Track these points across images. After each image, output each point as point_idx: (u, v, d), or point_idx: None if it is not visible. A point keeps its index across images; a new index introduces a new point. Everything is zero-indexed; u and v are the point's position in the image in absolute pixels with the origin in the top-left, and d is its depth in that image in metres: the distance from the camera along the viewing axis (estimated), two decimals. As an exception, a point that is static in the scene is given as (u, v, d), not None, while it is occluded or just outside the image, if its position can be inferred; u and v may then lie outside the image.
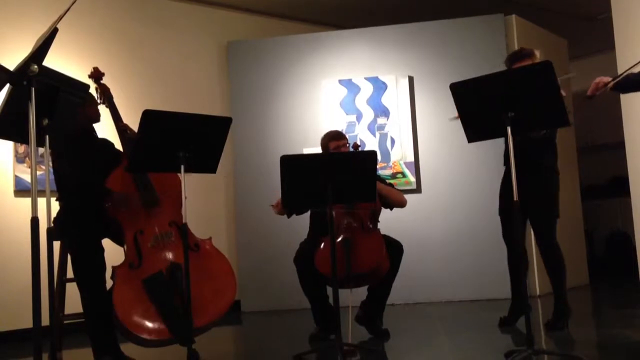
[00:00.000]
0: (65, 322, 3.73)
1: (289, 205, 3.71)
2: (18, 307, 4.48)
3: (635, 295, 5.51)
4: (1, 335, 4.71)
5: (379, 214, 4.02)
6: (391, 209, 4.13)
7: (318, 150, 5.06)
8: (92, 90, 3.50)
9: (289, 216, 4.06)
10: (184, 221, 3.16)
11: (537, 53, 3.81)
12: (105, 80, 3.88)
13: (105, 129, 3.81)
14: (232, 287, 3.42)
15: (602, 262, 7.97)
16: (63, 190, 3.54)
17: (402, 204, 4.15)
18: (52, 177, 3.35)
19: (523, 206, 3.69)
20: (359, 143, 4.76)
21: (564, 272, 3.89)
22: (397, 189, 4.31)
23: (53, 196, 3.35)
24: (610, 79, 3.45)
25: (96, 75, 3.85)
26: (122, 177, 3.53)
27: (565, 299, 3.87)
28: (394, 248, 3.92)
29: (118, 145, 3.78)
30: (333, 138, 4.12)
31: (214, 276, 3.40)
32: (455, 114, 3.17)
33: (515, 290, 3.99)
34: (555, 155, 3.94)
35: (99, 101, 3.80)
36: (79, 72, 3.78)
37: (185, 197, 3.23)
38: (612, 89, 3.51)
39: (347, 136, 4.28)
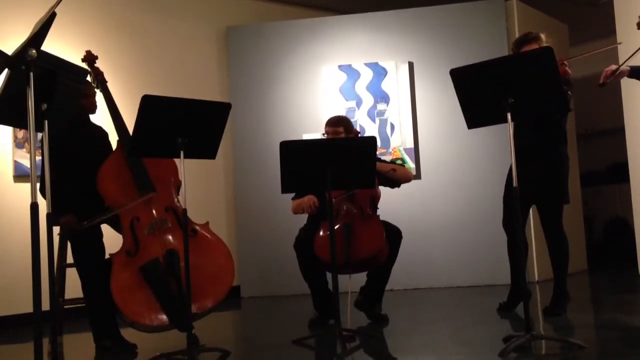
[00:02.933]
0: (66, 307, 3.75)
1: (288, 191, 3.69)
2: (18, 292, 4.50)
3: (634, 281, 5.53)
4: (1, 320, 4.73)
5: (378, 200, 4.02)
6: (398, 186, 4.11)
7: (318, 135, 5.06)
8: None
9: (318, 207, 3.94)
10: (183, 207, 3.16)
11: (544, 37, 3.80)
12: (104, 66, 3.86)
13: (99, 114, 3.79)
14: (230, 271, 3.42)
15: (601, 248, 7.99)
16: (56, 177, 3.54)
17: (408, 178, 4.14)
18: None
19: (530, 192, 3.71)
20: (358, 130, 4.74)
21: (567, 259, 3.90)
22: (398, 164, 4.27)
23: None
24: (616, 66, 3.48)
25: (89, 58, 3.80)
26: (117, 164, 3.53)
27: (564, 285, 3.88)
28: (392, 234, 3.92)
29: (111, 131, 3.77)
30: (328, 123, 4.09)
31: (212, 261, 3.40)
32: None
33: (514, 276, 4.00)
34: (566, 141, 3.94)
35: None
36: (78, 57, 3.76)
37: (181, 183, 3.24)
38: (629, 76, 3.54)
39: (349, 121, 4.21)
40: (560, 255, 3.88)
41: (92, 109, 3.70)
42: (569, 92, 3.65)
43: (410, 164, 5.83)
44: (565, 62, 3.71)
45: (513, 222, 3.90)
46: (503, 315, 4.01)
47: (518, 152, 3.73)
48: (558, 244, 3.87)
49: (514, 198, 3.06)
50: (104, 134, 3.82)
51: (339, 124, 4.06)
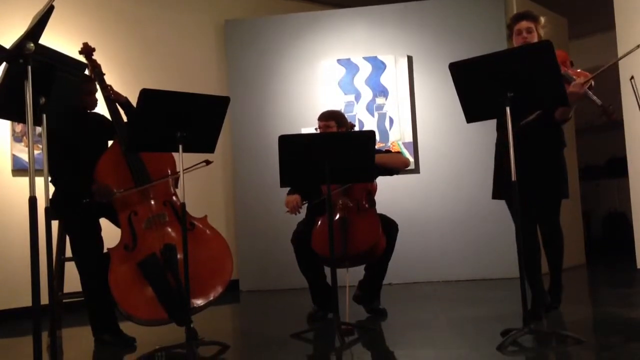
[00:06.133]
0: (64, 300, 3.76)
1: (286, 185, 3.69)
2: (17, 286, 4.51)
3: (632, 274, 5.54)
4: (1, 314, 4.73)
5: (374, 193, 4.02)
6: (397, 173, 4.11)
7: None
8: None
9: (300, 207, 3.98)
10: (182, 201, 3.15)
11: (543, 20, 3.70)
12: (101, 59, 3.85)
13: (98, 108, 3.79)
14: (228, 265, 3.42)
15: (599, 242, 8.01)
16: (55, 172, 3.54)
17: (405, 164, 4.16)
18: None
19: (529, 185, 3.68)
20: (355, 124, 4.72)
21: (563, 254, 3.88)
22: (395, 152, 4.27)
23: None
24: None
25: (86, 50, 3.79)
26: (115, 159, 3.53)
27: (560, 279, 3.86)
28: (389, 227, 3.93)
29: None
30: (319, 118, 4.08)
31: (210, 255, 3.40)
32: None
33: (532, 281, 3.66)
34: (562, 133, 3.90)
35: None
36: (76, 50, 3.75)
37: (178, 174, 3.24)
38: None
39: (342, 115, 4.21)
40: (556, 251, 3.85)
41: (93, 105, 3.70)
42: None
43: (409, 158, 5.82)
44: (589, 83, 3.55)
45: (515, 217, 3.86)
46: (512, 314, 3.87)
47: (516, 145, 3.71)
48: (555, 239, 3.82)
49: (513, 192, 3.05)
50: (101, 120, 3.80)
51: (330, 118, 4.05)
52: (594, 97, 3.42)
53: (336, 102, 5.88)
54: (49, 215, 2.55)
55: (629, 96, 5.44)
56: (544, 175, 3.75)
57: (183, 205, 3.13)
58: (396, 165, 4.07)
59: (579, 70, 3.53)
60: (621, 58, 3.57)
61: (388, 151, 4.38)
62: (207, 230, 3.49)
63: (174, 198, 3.55)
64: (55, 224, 3.41)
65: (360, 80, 5.98)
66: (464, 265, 5.74)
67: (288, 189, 4.04)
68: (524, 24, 3.60)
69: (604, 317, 3.87)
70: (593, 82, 3.47)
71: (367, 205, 3.94)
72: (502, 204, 3.99)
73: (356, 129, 4.70)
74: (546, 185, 3.76)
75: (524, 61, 2.98)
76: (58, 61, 2.59)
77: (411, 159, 5.77)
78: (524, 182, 3.54)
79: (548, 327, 3.42)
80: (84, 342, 3.68)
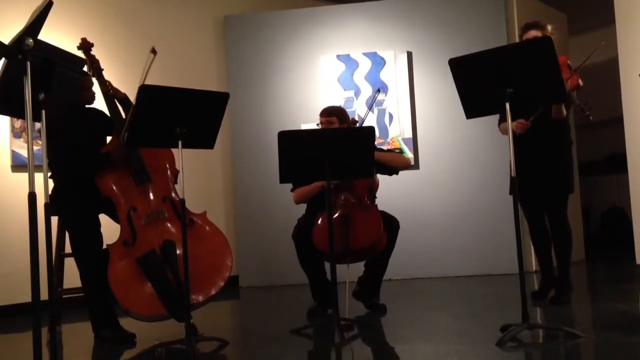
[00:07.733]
0: (64, 296, 3.76)
1: (286, 181, 3.69)
2: (17, 282, 4.49)
3: (631, 270, 5.54)
4: (0, 310, 4.73)
5: (376, 190, 4.02)
6: (397, 173, 4.12)
7: (315, 126, 5.05)
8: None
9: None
10: (181, 197, 3.15)
11: (550, 28, 3.82)
12: (100, 54, 3.84)
13: (96, 102, 3.79)
14: (228, 261, 3.42)
15: (599, 237, 8.01)
16: (55, 166, 3.54)
17: (406, 164, 4.19)
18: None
19: (536, 180, 3.73)
20: (356, 119, 4.72)
21: (571, 248, 3.90)
22: (396, 152, 4.29)
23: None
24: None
25: (85, 45, 3.78)
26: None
27: (568, 274, 3.88)
28: (390, 223, 3.93)
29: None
30: (321, 113, 4.09)
31: (210, 251, 3.40)
32: None
33: (541, 265, 4.05)
34: (569, 131, 3.95)
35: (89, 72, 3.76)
36: (74, 46, 3.74)
37: (178, 172, 3.24)
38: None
39: (344, 111, 4.22)
40: (564, 245, 3.87)
41: (91, 100, 3.70)
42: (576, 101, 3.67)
43: (409, 154, 5.82)
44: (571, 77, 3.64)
45: (525, 209, 3.92)
46: (536, 304, 3.93)
47: (521, 142, 3.73)
48: (562, 233, 3.86)
49: (513, 187, 3.06)
50: (100, 116, 3.80)
51: (332, 114, 4.06)
52: (574, 97, 3.58)
53: (336, 98, 5.87)
54: (49, 211, 2.54)
55: (628, 90, 5.44)
56: (550, 170, 3.79)
57: (182, 201, 3.13)
58: (396, 164, 4.07)
59: (572, 74, 3.62)
60: (589, 56, 3.66)
61: (389, 150, 4.38)
62: (206, 226, 3.49)
63: (173, 194, 3.55)
64: (54, 219, 3.41)
65: (359, 76, 5.97)
66: (463, 261, 5.74)
67: (288, 185, 4.03)
68: (532, 33, 3.75)
69: (603, 312, 3.87)
70: (581, 82, 3.63)
71: (368, 202, 3.94)
72: (502, 200, 4.01)
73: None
74: (553, 180, 3.80)
75: (524, 57, 2.98)
76: (57, 57, 2.58)
77: (411, 155, 5.79)
78: (532, 178, 3.61)
79: (547, 323, 3.43)
80: (84, 337, 3.68)
